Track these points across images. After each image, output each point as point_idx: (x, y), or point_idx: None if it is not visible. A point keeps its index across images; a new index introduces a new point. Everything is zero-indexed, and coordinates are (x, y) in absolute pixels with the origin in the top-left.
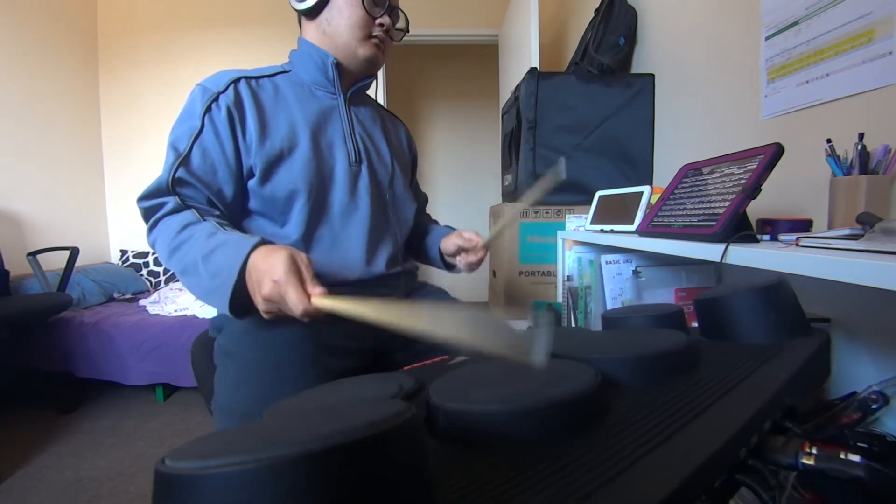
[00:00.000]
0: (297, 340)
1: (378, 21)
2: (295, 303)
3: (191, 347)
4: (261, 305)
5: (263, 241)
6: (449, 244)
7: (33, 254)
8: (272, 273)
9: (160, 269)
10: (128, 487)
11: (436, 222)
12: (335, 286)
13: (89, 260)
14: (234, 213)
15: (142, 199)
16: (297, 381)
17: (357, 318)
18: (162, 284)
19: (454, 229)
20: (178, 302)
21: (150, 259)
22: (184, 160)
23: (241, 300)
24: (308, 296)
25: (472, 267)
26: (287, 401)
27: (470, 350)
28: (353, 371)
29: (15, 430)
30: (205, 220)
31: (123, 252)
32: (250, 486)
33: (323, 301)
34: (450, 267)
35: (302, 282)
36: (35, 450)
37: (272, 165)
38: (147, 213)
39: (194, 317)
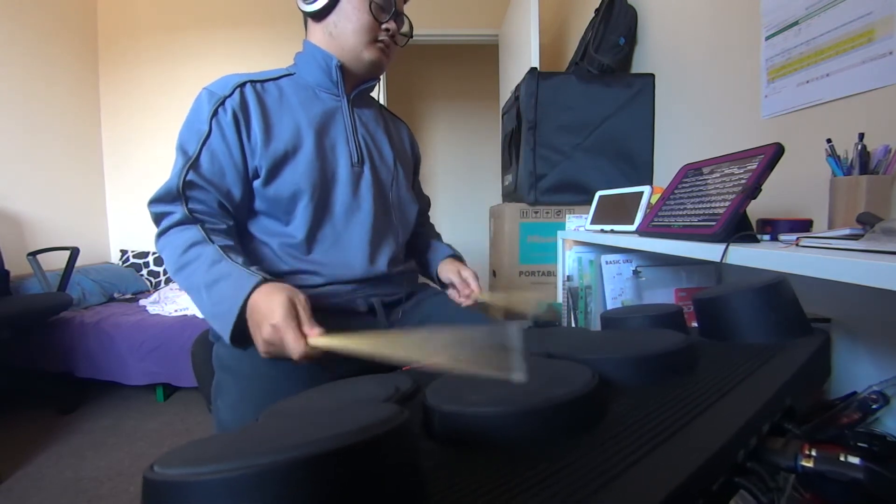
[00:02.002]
0: None
1: (384, 26)
2: (292, 347)
3: (191, 347)
4: (261, 346)
5: (265, 280)
6: (445, 275)
7: (33, 254)
8: (271, 317)
9: (160, 269)
10: (128, 487)
11: (438, 236)
12: (337, 284)
13: (89, 260)
14: (242, 213)
15: (152, 202)
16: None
17: (353, 355)
18: (162, 284)
19: (455, 252)
20: (178, 302)
21: (150, 259)
22: (193, 164)
23: (241, 332)
24: (304, 338)
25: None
26: (283, 403)
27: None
28: (353, 375)
29: (15, 430)
30: (211, 240)
31: (123, 252)
32: (237, 494)
33: (319, 340)
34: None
35: (300, 324)
36: (35, 450)
37: (277, 166)
38: (156, 219)
39: (194, 317)
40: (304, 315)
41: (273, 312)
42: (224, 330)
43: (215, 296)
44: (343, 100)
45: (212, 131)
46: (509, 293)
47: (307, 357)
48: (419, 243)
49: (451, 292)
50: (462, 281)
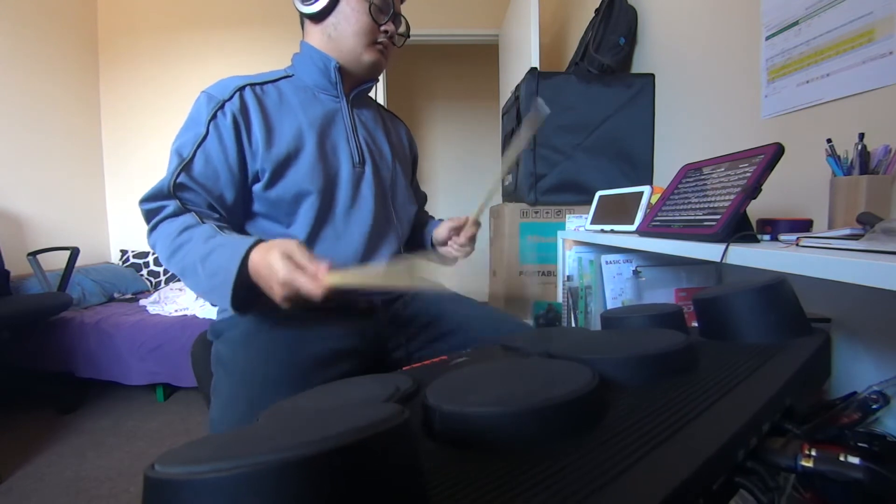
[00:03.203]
0: (294, 351)
1: (383, 28)
2: (310, 290)
3: (191, 347)
4: (282, 304)
5: (259, 241)
6: (440, 232)
7: (33, 254)
8: (276, 276)
9: (160, 269)
10: (128, 487)
11: (433, 218)
12: None
13: (89, 260)
14: (235, 216)
15: (143, 201)
16: (294, 392)
17: (366, 287)
18: (162, 284)
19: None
20: (178, 302)
21: (151, 259)
22: (186, 166)
23: (242, 296)
24: (316, 277)
25: (465, 248)
26: (283, 403)
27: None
28: (352, 374)
29: (15, 430)
30: (204, 222)
31: (124, 252)
32: (238, 492)
33: (333, 277)
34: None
35: (304, 268)
36: (35, 450)
37: (280, 169)
38: (148, 215)
39: (194, 317)
40: (302, 259)
41: (275, 272)
42: (224, 298)
43: (210, 267)
44: (342, 101)
45: (209, 134)
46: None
47: (327, 292)
48: (415, 230)
49: (451, 242)
50: (453, 222)
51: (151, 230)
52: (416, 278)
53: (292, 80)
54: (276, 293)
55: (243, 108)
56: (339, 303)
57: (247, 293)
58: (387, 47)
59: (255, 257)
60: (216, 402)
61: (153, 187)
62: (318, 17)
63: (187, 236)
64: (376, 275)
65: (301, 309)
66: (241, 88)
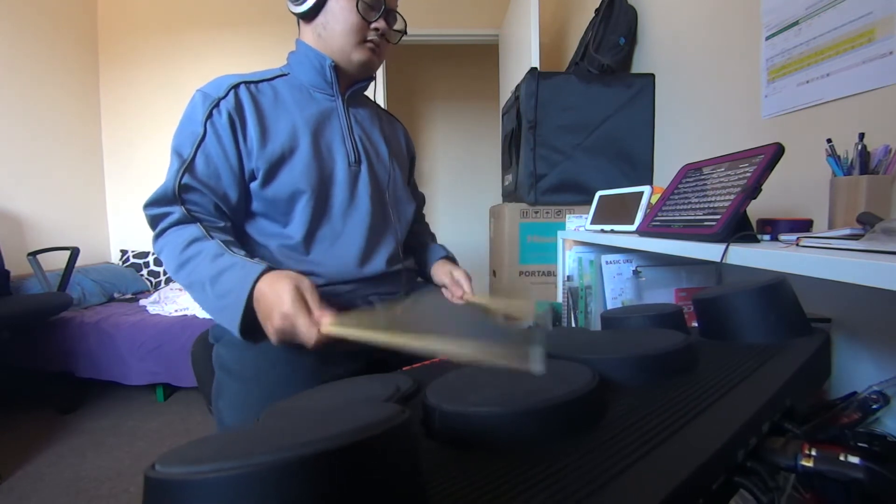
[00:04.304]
0: (296, 353)
1: (373, 26)
2: (306, 334)
3: (191, 347)
4: (273, 336)
5: (269, 268)
6: (437, 277)
7: (33, 254)
8: (280, 305)
9: (160, 269)
10: (128, 487)
11: (433, 236)
12: (337, 284)
13: (89, 260)
14: (239, 215)
15: (148, 205)
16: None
17: (366, 343)
18: (162, 284)
19: (449, 254)
20: (178, 302)
21: (151, 259)
22: (188, 166)
23: (248, 323)
24: (317, 324)
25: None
26: (284, 402)
27: (471, 361)
28: (354, 374)
29: (15, 430)
30: (211, 236)
31: (124, 252)
32: (238, 493)
33: (332, 328)
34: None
35: (310, 310)
36: (35, 450)
37: (274, 168)
38: (153, 221)
39: (194, 317)
40: (311, 300)
41: (281, 301)
42: (232, 322)
43: (220, 288)
44: (338, 100)
45: (206, 133)
46: (507, 298)
47: (320, 344)
48: (414, 243)
49: (443, 293)
50: (454, 282)
51: (157, 237)
52: (429, 345)
53: (288, 79)
54: (274, 324)
55: (238, 105)
56: (340, 304)
57: (254, 317)
58: (378, 45)
59: (263, 284)
60: (224, 406)
61: (157, 191)
62: (308, 16)
63: (195, 250)
64: (380, 329)
65: (289, 348)
66: (236, 86)
